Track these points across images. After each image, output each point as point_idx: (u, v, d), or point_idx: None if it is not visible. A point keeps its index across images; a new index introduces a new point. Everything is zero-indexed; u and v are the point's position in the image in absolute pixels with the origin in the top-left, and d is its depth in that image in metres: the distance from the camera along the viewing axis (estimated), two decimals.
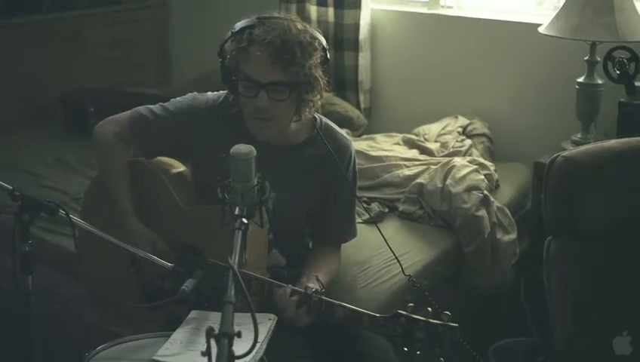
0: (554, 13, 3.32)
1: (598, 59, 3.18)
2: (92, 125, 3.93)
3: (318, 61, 2.15)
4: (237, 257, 1.67)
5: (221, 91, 2.35)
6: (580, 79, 3.21)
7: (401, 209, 3.04)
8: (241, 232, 1.75)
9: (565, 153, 2.08)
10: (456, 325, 1.91)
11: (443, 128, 3.48)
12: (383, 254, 2.73)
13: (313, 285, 2.11)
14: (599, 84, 3.20)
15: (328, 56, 2.19)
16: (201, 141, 2.29)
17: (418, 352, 1.93)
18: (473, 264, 2.91)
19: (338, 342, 2.17)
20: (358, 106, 3.92)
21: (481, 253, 2.89)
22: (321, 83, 2.17)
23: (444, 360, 1.91)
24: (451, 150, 3.32)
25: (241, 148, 1.81)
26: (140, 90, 4.15)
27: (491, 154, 3.52)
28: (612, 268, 2.16)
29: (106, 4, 4.40)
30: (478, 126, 3.55)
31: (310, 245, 2.45)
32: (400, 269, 2.64)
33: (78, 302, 2.63)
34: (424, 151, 3.33)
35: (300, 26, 2.14)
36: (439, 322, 1.92)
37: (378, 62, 3.99)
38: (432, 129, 3.50)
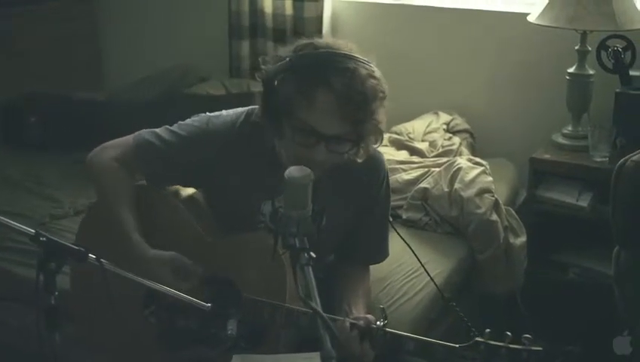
0: (532, 1, 3.19)
1: (589, 48, 3.06)
2: (35, 135, 3.63)
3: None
4: (318, 299, 1.46)
5: (238, 109, 2.08)
6: (571, 69, 3.09)
7: (405, 217, 2.82)
8: (310, 268, 1.56)
9: (635, 157, 1.92)
10: (540, 349, 1.77)
11: (427, 126, 3.29)
12: (402, 267, 2.54)
13: (372, 316, 1.91)
14: (591, 75, 3.09)
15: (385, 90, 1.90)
16: (219, 169, 2.02)
17: None
18: (487, 270, 2.75)
19: None
20: None
21: (496, 259, 2.73)
22: (382, 133, 1.95)
23: None
24: (440, 149, 3.13)
25: (297, 170, 1.60)
26: (83, 96, 3.78)
27: (473, 150, 3.36)
28: None
29: (35, 2, 3.98)
30: (459, 122, 3.39)
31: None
32: (422, 284, 2.50)
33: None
34: (414, 151, 3.12)
35: (372, 69, 1.89)
36: (522, 347, 1.77)
37: None
38: (416, 127, 3.29)
